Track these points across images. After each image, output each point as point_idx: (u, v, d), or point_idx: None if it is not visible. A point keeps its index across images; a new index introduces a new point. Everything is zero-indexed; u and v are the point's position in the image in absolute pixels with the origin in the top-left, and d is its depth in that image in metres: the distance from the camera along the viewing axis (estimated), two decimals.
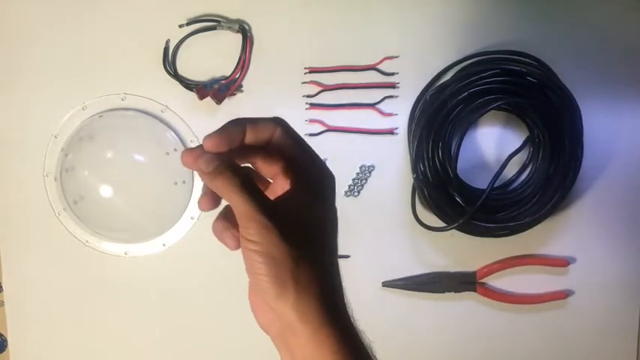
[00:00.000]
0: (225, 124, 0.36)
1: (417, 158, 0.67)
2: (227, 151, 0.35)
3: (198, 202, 0.38)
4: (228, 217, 0.38)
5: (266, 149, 0.37)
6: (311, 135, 0.69)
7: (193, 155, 0.35)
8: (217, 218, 0.38)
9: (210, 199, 0.37)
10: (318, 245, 0.37)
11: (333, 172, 0.39)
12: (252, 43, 0.69)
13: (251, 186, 0.35)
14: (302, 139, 0.38)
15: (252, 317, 0.71)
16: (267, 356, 0.72)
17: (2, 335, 0.73)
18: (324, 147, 0.69)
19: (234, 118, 0.37)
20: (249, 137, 0.36)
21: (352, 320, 0.37)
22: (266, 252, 0.34)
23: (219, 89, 0.69)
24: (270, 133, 0.37)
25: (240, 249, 0.36)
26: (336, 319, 0.36)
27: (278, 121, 0.37)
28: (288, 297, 0.35)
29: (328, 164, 0.38)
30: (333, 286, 0.37)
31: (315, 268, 0.35)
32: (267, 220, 0.34)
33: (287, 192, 0.37)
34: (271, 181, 0.40)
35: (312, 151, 0.38)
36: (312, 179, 0.37)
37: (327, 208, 0.37)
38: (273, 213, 0.34)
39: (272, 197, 0.37)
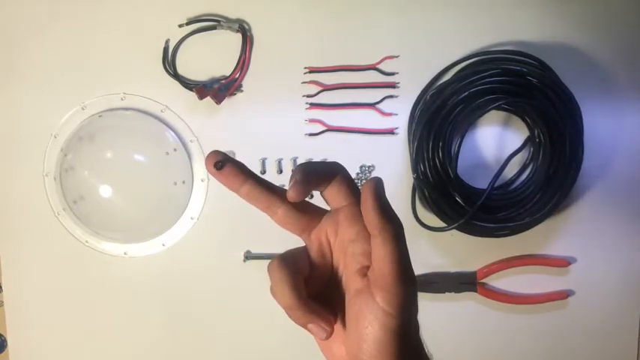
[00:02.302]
0: (307, 169, 0.32)
1: (417, 158, 0.67)
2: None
3: (288, 193, 0.32)
4: (308, 300, 0.32)
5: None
6: (311, 135, 0.69)
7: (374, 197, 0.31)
8: (302, 307, 0.32)
9: (303, 189, 0.32)
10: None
11: None
12: (252, 43, 0.69)
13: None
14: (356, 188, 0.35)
15: (250, 317, 0.71)
16: (266, 355, 0.72)
17: (2, 335, 0.73)
18: (324, 147, 0.69)
19: (303, 164, 0.33)
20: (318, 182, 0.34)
21: None
22: (400, 329, 0.31)
23: (218, 89, 0.69)
24: (333, 174, 0.34)
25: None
26: None
27: (339, 169, 0.34)
28: None
29: None
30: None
31: (419, 340, 0.34)
32: (415, 289, 0.31)
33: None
34: None
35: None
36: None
37: None
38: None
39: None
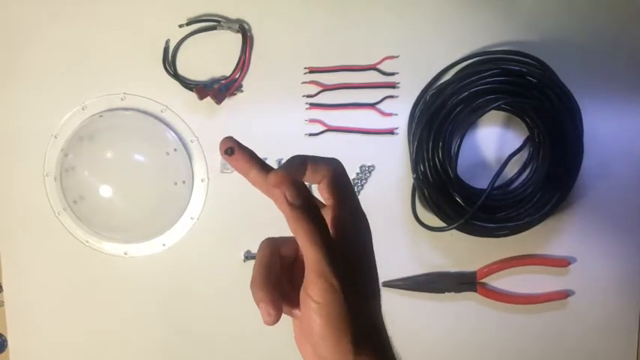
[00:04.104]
0: (290, 160, 0.35)
1: (417, 158, 0.67)
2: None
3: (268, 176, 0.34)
4: (270, 280, 0.35)
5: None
6: (311, 135, 0.69)
7: (278, 177, 0.33)
8: (260, 284, 0.35)
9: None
10: (372, 297, 0.37)
11: None
12: (252, 43, 0.69)
13: (329, 239, 0.34)
14: (349, 187, 0.38)
15: (251, 317, 0.71)
16: (266, 355, 0.72)
17: (2, 335, 0.73)
18: (324, 147, 0.69)
19: (295, 155, 0.36)
20: (307, 176, 0.36)
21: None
22: (327, 313, 0.33)
23: (219, 89, 0.69)
24: (322, 175, 0.36)
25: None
26: None
27: (333, 163, 0.37)
28: (347, 356, 0.34)
29: None
30: (384, 334, 0.37)
31: (369, 323, 0.36)
32: (336, 281, 0.33)
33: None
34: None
35: (355, 202, 0.38)
36: (349, 232, 0.37)
37: (372, 258, 0.38)
38: (341, 270, 0.34)
39: None
